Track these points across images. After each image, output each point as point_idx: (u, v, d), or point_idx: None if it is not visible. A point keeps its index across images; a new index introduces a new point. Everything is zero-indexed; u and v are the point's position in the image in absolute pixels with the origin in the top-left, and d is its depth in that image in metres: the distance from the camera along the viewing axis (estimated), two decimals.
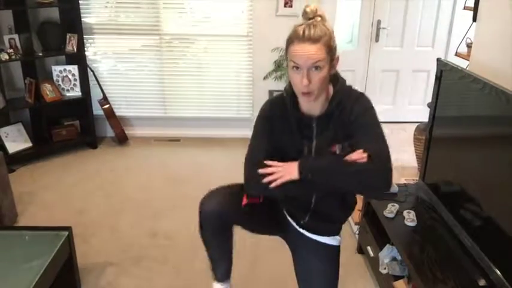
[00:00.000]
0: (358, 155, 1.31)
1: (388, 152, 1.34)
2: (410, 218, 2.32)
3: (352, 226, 3.11)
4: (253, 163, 1.45)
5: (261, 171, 1.38)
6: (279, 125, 1.48)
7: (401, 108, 4.83)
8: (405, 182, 2.86)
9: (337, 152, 1.43)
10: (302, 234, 1.68)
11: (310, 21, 1.35)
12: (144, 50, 4.54)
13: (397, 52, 4.65)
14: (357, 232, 2.92)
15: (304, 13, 1.37)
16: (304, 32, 1.31)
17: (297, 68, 1.33)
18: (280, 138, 1.49)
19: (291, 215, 1.69)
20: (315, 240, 1.67)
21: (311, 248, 1.68)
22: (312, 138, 1.46)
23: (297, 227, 1.68)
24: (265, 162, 1.41)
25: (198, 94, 4.67)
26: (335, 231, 1.69)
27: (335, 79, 1.45)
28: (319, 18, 1.36)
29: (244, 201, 1.49)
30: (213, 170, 3.99)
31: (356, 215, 2.95)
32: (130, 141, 4.61)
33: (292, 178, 1.33)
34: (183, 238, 3.01)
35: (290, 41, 1.36)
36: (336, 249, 1.71)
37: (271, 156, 1.43)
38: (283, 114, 1.46)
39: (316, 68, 1.32)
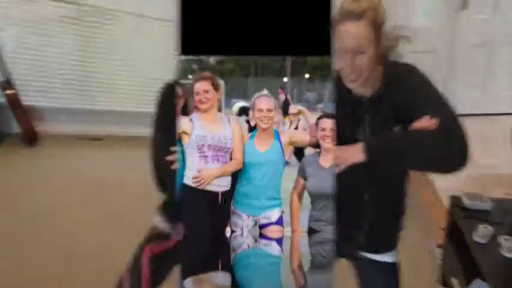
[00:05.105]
0: (426, 122, 1.22)
1: (457, 117, 1.25)
2: (508, 247, 1.90)
3: (433, 249, 2.64)
4: None
5: None
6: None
7: None
8: (504, 196, 2.38)
9: None
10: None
11: None
12: (63, 22, 3.67)
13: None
14: (440, 258, 2.47)
15: None
16: (346, 8, 1.26)
17: (340, 50, 1.28)
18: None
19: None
20: (374, 261, 1.53)
21: (369, 273, 1.55)
22: (363, 121, 1.39)
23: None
24: None
25: (129, 84, 4.09)
26: (392, 243, 1.54)
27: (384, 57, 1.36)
28: None
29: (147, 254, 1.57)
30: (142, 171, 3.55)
31: (439, 235, 2.54)
32: (42, 140, 3.84)
33: (356, 161, 1.27)
34: (109, 257, 2.33)
35: (335, 21, 1.30)
36: (395, 267, 1.56)
37: None
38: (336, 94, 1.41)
39: (360, 51, 1.25)
